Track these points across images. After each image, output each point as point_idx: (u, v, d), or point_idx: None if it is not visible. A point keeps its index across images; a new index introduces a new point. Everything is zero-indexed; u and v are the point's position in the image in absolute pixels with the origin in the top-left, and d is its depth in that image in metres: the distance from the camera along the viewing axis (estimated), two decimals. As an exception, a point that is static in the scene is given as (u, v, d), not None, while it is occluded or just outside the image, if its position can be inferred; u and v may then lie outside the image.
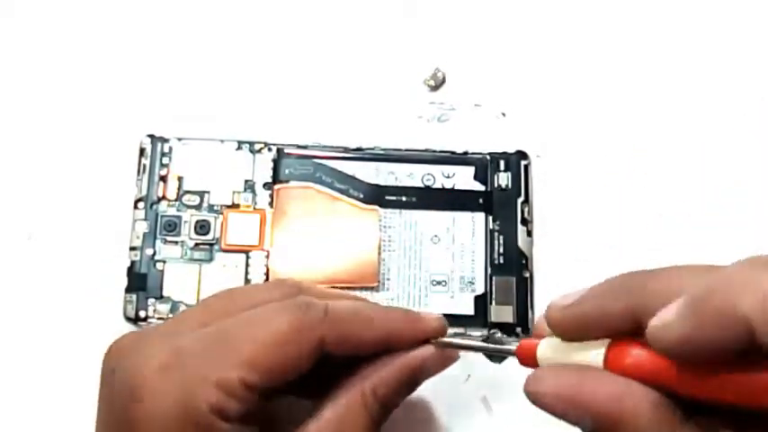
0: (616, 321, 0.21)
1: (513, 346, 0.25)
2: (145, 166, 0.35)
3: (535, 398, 0.22)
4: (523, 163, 0.36)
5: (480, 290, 0.34)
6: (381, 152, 0.35)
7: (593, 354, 0.21)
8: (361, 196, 0.35)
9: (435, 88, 0.37)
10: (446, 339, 0.28)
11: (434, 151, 0.35)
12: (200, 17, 0.38)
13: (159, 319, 0.33)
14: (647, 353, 0.20)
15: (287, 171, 0.35)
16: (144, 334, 0.27)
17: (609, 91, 0.37)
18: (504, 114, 0.37)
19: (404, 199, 0.35)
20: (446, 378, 0.33)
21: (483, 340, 0.27)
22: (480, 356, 0.33)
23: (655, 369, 0.20)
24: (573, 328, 0.22)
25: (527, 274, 0.34)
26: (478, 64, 0.38)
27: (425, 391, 0.33)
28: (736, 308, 0.18)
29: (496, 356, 0.26)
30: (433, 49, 0.38)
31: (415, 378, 0.28)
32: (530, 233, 0.35)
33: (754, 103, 0.38)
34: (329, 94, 0.37)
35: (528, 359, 0.24)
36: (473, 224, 0.35)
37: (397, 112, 0.37)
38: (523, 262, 0.34)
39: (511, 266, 0.34)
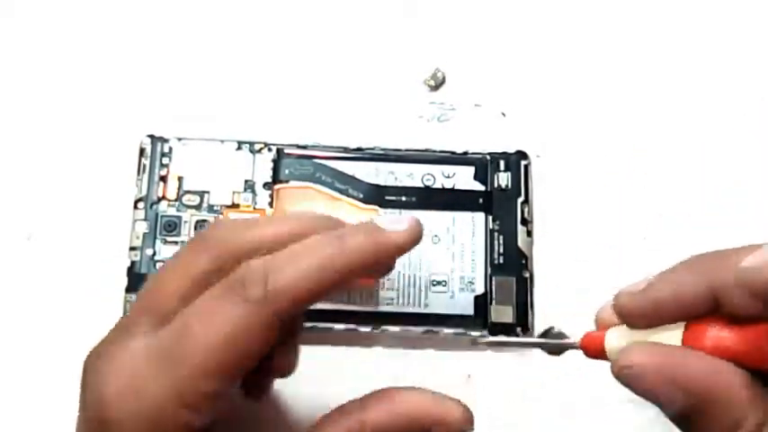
0: (691, 303, 0.21)
1: (573, 340, 0.24)
2: (145, 166, 0.35)
3: (629, 371, 0.21)
4: (523, 163, 0.36)
5: (480, 290, 0.34)
6: (381, 152, 0.35)
7: (671, 337, 0.21)
8: (361, 196, 0.35)
9: (435, 88, 0.37)
10: (501, 338, 0.26)
11: (434, 151, 0.35)
12: (199, 17, 0.38)
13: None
14: (727, 332, 0.20)
15: (287, 171, 0.35)
16: (106, 346, 0.26)
17: (609, 91, 0.37)
18: (504, 114, 0.37)
19: (404, 199, 0.35)
20: (446, 378, 0.33)
21: (541, 335, 0.25)
22: (479, 357, 0.34)
23: (735, 347, 0.20)
24: (646, 314, 0.21)
25: (527, 274, 0.34)
26: (478, 64, 0.38)
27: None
28: None
29: (555, 350, 0.25)
30: (433, 49, 0.38)
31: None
32: (530, 233, 0.35)
33: (755, 103, 0.37)
34: (329, 94, 0.37)
35: (595, 351, 0.23)
36: (473, 224, 0.35)
37: (397, 112, 0.37)
38: (523, 262, 0.34)
39: (511, 266, 0.34)
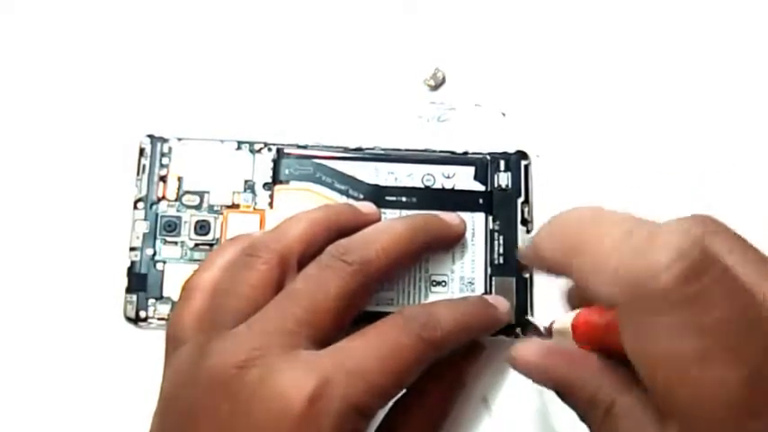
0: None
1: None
2: (145, 166, 0.35)
3: (512, 362, 0.27)
4: (523, 163, 0.35)
5: (480, 290, 0.34)
6: (381, 152, 0.35)
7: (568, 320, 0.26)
8: (362, 196, 0.35)
9: (435, 88, 0.37)
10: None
11: (434, 151, 0.35)
12: (199, 17, 0.38)
13: (159, 319, 0.33)
14: (593, 318, 0.25)
15: (287, 171, 0.35)
16: (277, 350, 0.26)
17: (609, 91, 0.37)
18: (504, 114, 0.37)
19: (404, 199, 0.35)
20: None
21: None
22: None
23: (594, 333, 0.25)
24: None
25: (527, 275, 0.34)
26: (478, 64, 0.38)
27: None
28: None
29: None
30: (433, 48, 0.38)
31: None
32: (529, 233, 0.35)
33: (756, 104, 0.37)
34: (329, 94, 0.37)
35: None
36: (473, 224, 0.35)
37: (397, 112, 0.37)
38: (523, 262, 0.34)
39: (511, 266, 0.34)
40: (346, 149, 0.35)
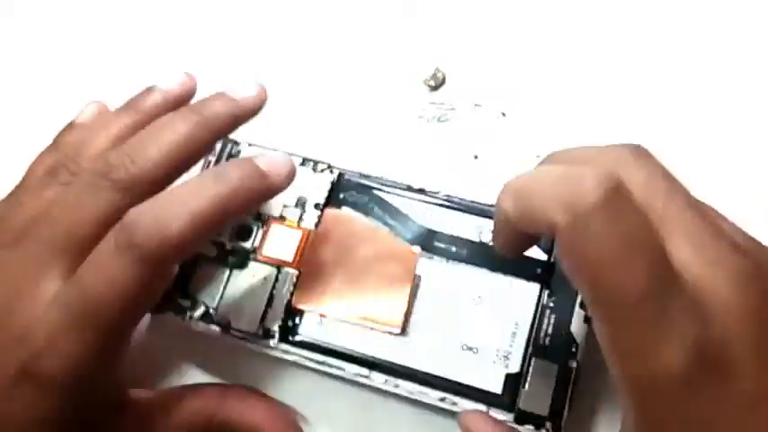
0: None
1: None
2: (210, 162, 0.35)
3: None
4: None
5: (515, 368, 0.30)
6: (444, 198, 0.33)
7: None
8: (409, 236, 0.32)
9: (435, 88, 0.37)
10: None
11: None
12: (202, 17, 0.39)
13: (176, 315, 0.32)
14: None
15: (341, 196, 0.33)
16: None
17: (609, 91, 0.37)
18: (504, 114, 0.36)
19: (453, 249, 0.32)
20: None
21: None
22: None
23: None
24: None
25: (573, 364, 0.30)
26: (478, 64, 0.37)
27: None
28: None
29: None
30: (433, 49, 0.37)
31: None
32: (587, 319, 0.30)
33: (758, 103, 0.36)
34: (329, 95, 0.37)
35: None
36: (524, 294, 0.31)
37: (397, 112, 0.36)
38: (573, 350, 0.30)
39: (557, 351, 0.30)
40: (409, 188, 0.33)
